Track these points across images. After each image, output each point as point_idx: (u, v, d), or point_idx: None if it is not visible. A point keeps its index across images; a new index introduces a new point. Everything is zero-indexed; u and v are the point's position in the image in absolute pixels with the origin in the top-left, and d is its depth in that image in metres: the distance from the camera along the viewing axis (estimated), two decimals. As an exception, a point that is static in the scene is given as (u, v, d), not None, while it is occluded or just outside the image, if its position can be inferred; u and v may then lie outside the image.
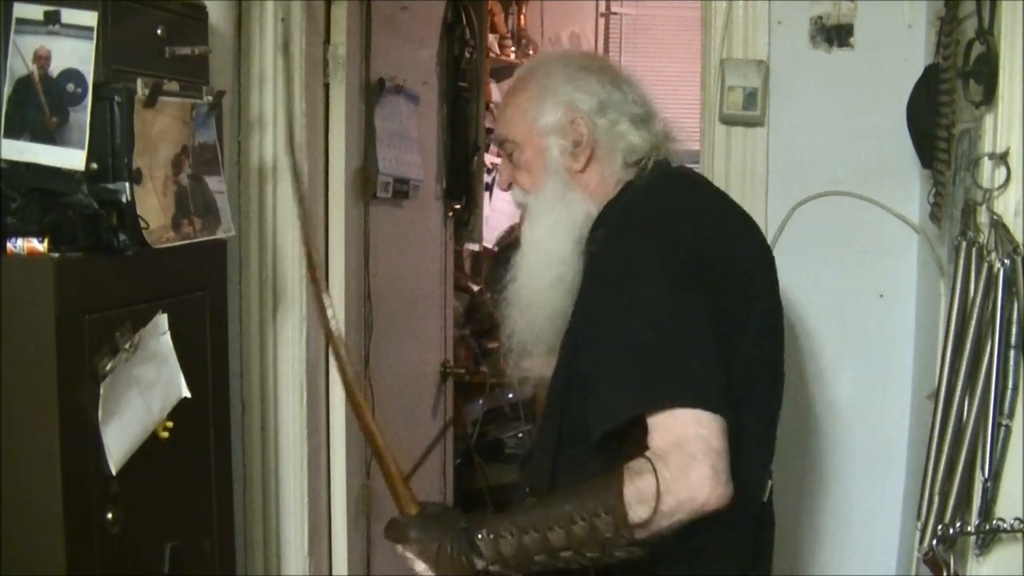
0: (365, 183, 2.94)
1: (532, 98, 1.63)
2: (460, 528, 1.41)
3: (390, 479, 1.54)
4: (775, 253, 2.39)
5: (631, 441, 1.38)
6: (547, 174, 1.62)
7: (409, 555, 1.47)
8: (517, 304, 1.65)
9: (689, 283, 1.43)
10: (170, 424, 1.65)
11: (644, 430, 1.36)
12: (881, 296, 2.39)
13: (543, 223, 1.61)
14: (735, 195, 2.36)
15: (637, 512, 1.30)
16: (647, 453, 1.33)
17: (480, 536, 1.39)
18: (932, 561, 1.69)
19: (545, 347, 1.62)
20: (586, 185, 1.62)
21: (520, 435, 4.12)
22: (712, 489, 1.30)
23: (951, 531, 1.67)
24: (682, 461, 1.30)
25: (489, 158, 3.98)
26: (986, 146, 1.70)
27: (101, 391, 1.49)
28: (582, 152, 1.61)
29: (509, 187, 1.69)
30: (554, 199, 1.61)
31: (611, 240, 1.51)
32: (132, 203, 1.57)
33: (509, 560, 1.39)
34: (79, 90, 1.54)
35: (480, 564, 1.39)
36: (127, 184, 1.57)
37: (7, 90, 1.55)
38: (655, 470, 1.30)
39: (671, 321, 1.39)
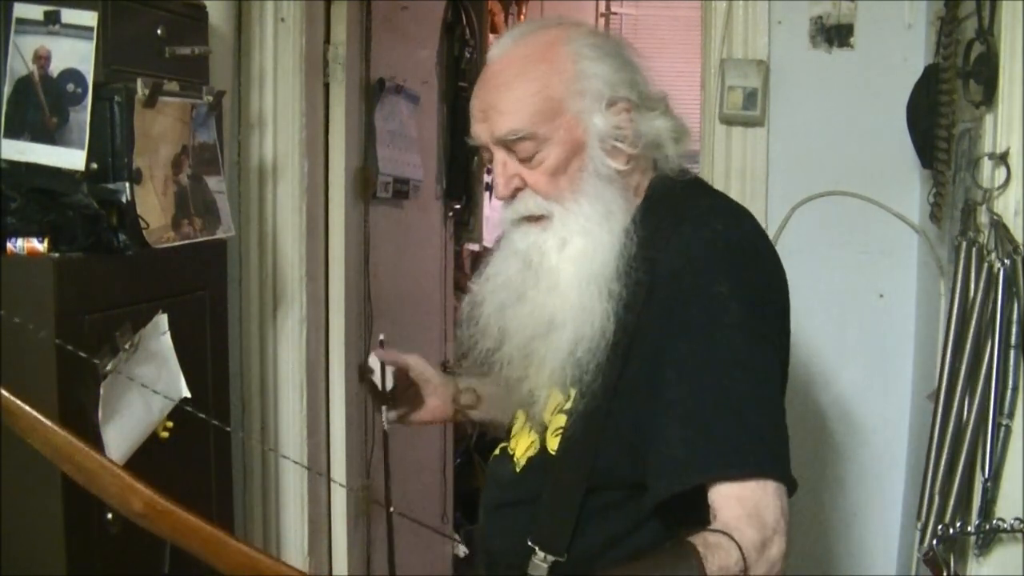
0: (365, 183, 2.94)
1: (561, 81, 1.30)
2: None
3: None
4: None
5: (682, 497, 1.23)
6: (585, 175, 1.31)
7: None
8: (528, 326, 1.36)
9: (772, 337, 1.31)
10: (170, 424, 1.65)
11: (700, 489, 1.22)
12: (881, 296, 2.39)
13: (581, 237, 1.31)
14: (735, 195, 2.36)
15: None
16: (720, 525, 1.18)
17: None
18: (932, 561, 1.69)
19: (554, 377, 1.33)
20: (628, 188, 1.35)
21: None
22: (784, 565, 1.21)
23: (951, 531, 1.67)
24: (763, 535, 1.19)
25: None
26: (986, 146, 1.70)
27: (101, 391, 1.49)
28: (628, 149, 1.33)
29: (515, 194, 1.34)
30: (596, 208, 1.31)
31: (695, 278, 1.26)
32: (132, 203, 1.57)
33: None
34: (79, 90, 1.54)
35: None
36: (127, 184, 1.57)
37: (7, 90, 1.55)
38: (739, 545, 1.16)
39: (759, 382, 1.26)
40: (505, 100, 1.31)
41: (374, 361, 1.63)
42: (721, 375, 1.23)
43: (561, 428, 1.34)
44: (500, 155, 1.33)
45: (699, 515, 1.22)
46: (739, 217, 1.37)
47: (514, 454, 1.44)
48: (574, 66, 1.31)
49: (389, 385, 1.62)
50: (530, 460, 1.39)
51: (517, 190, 1.34)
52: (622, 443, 1.29)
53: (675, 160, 1.39)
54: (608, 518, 1.30)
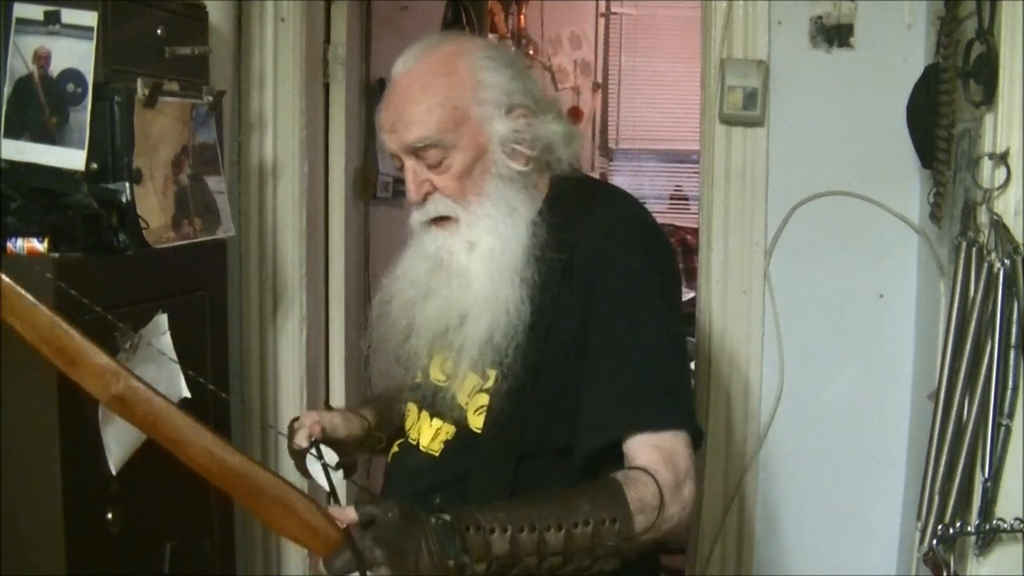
0: (365, 183, 2.94)
1: (463, 91, 1.40)
2: (440, 523, 1.15)
3: (294, 517, 1.12)
4: (775, 253, 2.42)
5: (606, 455, 1.34)
6: (488, 178, 1.41)
7: None
8: (437, 320, 1.43)
9: (679, 303, 1.46)
10: (170, 424, 1.65)
11: (618, 447, 1.34)
12: (881, 296, 2.39)
13: (488, 236, 1.41)
14: (735, 195, 2.38)
15: (639, 522, 1.26)
16: (641, 465, 1.29)
17: (470, 529, 1.16)
18: (932, 561, 1.69)
19: (474, 363, 1.40)
20: (530, 186, 1.45)
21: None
22: (692, 508, 1.32)
23: (951, 531, 1.66)
24: (676, 478, 1.30)
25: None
26: (986, 146, 1.70)
27: (101, 391, 1.49)
28: (526, 149, 1.42)
29: (426, 198, 1.43)
30: (500, 206, 1.41)
31: (614, 254, 1.39)
32: (132, 203, 1.58)
33: (494, 561, 1.17)
34: (79, 90, 1.54)
35: (466, 567, 1.15)
36: (127, 184, 1.57)
37: (7, 90, 1.55)
38: (657, 482, 1.27)
39: (674, 344, 1.38)
40: (411, 112, 1.40)
41: (316, 472, 1.48)
42: (641, 338, 1.36)
43: (484, 407, 1.41)
44: (410, 162, 1.42)
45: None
46: (637, 202, 1.54)
47: (418, 443, 1.48)
48: (473, 77, 1.41)
49: (338, 480, 1.48)
50: (448, 444, 1.44)
51: (427, 194, 1.43)
52: (549, 412, 1.38)
53: (566, 161, 1.48)
54: (539, 485, 1.36)
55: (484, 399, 1.41)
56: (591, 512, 1.22)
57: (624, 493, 1.25)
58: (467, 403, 1.43)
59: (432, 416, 1.48)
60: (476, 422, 1.41)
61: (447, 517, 1.16)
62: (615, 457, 1.34)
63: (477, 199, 1.41)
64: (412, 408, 1.53)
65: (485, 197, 1.41)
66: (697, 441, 1.36)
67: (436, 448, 1.46)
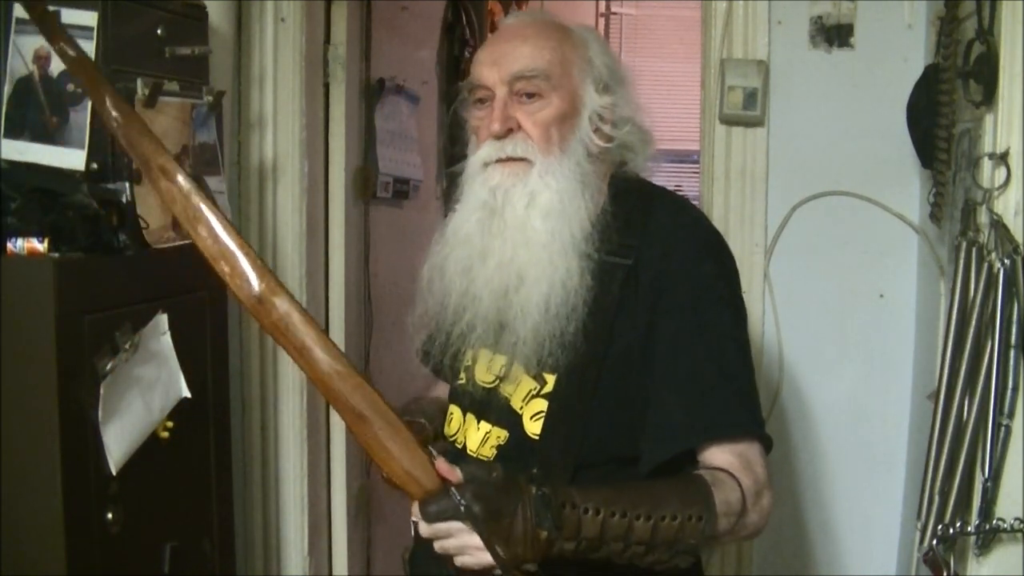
0: (365, 183, 2.94)
1: (573, 52, 1.40)
2: (540, 494, 1.16)
3: (406, 447, 1.17)
4: (775, 253, 2.42)
5: (671, 465, 1.32)
6: (573, 140, 1.38)
7: (457, 541, 1.16)
8: (496, 280, 1.37)
9: (744, 311, 1.42)
10: (170, 424, 1.65)
11: (683, 457, 1.33)
12: (881, 296, 2.39)
13: (553, 193, 1.35)
14: (735, 195, 2.38)
15: (721, 524, 1.25)
16: (724, 467, 1.29)
17: (565, 506, 1.16)
18: (932, 561, 1.69)
19: (538, 332, 1.34)
20: (599, 175, 1.42)
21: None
22: (769, 517, 1.32)
23: (951, 531, 1.67)
24: (756, 485, 1.30)
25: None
26: (986, 146, 1.70)
27: (101, 391, 1.49)
28: (610, 131, 1.41)
29: (507, 134, 1.37)
30: (575, 172, 1.37)
31: (683, 260, 1.37)
32: (132, 203, 1.57)
33: (583, 541, 1.18)
34: (79, 90, 1.54)
35: (555, 541, 1.16)
36: (127, 184, 1.57)
37: (7, 90, 1.55)
38: (741, 488, 1.27)
39: (743, 352, 1.38)
40: (523, 47, 1.38)
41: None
42: (712, 346, 1.34)
43: (541, 412, 1.37)
44: (502, 92, 1.37)
45: None
46: (699, 209, 1.54)
47: (465, 447, 1.44)
48: (583, 47, 1.42)
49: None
50: (502, 449, 1.40)
51: (510, 131, 1.37)
52: (610, 419, 1.35)
53: (639, 165, 1.47)
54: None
55: (541, 404, 1.37)
56: (679, 508, 1.22)
57: (712, 494, 1.25)
58: (522, 408, 1.39)
59: (479, 419, 1.43)
60: (533, 428, 1.37)
61: (546, 490, 1.16)
62: (680, 467, 1.32)
63: (560, 154, 1.36)
64: (456, 412, 1.49)
65: (566, 155, 1.37)
66: (767, 450, 1.35)
67: (488, 453, 1.41)
